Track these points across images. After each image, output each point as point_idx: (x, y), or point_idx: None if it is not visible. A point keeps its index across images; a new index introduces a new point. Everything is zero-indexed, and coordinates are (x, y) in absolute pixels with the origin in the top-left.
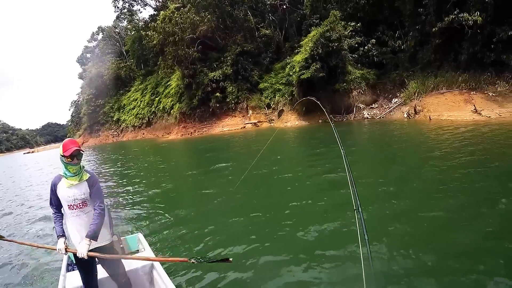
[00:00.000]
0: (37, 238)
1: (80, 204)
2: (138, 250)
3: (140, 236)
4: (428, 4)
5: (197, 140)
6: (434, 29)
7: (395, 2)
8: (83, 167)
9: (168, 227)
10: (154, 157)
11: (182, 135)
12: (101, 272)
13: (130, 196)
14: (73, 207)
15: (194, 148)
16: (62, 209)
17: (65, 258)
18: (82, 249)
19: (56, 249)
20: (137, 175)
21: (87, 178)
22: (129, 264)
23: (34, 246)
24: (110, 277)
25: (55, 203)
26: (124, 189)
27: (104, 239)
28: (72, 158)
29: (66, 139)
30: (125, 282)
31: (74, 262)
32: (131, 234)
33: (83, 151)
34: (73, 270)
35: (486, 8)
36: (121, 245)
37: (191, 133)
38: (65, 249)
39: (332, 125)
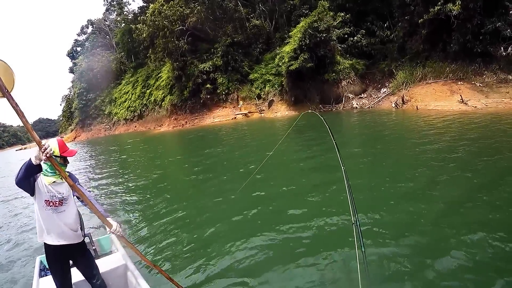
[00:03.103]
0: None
1: (57, 203)
2: (111, 252)
3: (113, 236)
4: None
5: (188, 132)
6: (420, 20)
7: None
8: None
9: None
10: (147, 150)
11: (174, 127)
12: (75, 276)
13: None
14: (49, 203)
15: (186, 140)
16: (34, 199)
17: (37, 262)
18: (116, 224)
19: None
20: (127, 171)
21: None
22: (103, 266)
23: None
24: (86, 280)
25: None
26: (107, 186)
27: (75, 237)
28: (65, 160)
29: (58, 139)
30: (100, 284)
31: (47, 266)
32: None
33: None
34: (46, 275)
35: None
36: (94, 247)
37: (183, 124)
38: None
39: (338, 153)
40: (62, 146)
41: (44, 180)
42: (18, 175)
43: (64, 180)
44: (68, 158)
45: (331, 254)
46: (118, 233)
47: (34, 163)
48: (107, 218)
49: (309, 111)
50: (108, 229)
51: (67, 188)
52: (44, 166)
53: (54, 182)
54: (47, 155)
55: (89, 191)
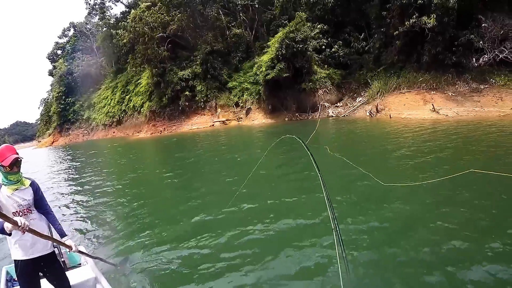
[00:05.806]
0: None
1: (25, 211)
2: (80, 264)
3: (82, 248)
4: (392, 8)
5: (166, 138)
6: (395, 32)
7: (362, 5)
8: (21, 173)
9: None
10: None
11: (152, 133)
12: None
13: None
14: (18, 213)
15: (163, 146)
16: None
17: (3, 273)
18: (73, 244)
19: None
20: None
21: (30, 183)
22: (72, 279)
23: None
24: None
25: None
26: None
27: (47, 247)
28: (12, 167)
29: (2, 146)
30: None
31: (16, 278)
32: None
33: (22, 158)
34: (13, 286)
35: (449, 12)
36: (63, 259)
37: (161, 131)
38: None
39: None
40: (2, 154)
41: (6, 192)
42: None
43: (27, 186)
44: (21, 163)
45: (312, 260)
46: (77, 252)
47: (7, 231)
48: (64, 239)
49: (288, 136)
50: (68, 250)
51: (31, 195)
52: (1, 177)
53: (17, 189)
54: (23, 231)
55: (51, 209)
